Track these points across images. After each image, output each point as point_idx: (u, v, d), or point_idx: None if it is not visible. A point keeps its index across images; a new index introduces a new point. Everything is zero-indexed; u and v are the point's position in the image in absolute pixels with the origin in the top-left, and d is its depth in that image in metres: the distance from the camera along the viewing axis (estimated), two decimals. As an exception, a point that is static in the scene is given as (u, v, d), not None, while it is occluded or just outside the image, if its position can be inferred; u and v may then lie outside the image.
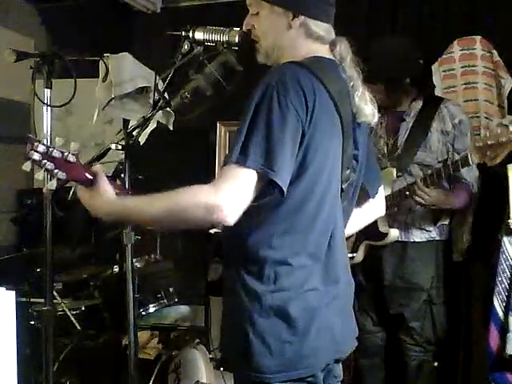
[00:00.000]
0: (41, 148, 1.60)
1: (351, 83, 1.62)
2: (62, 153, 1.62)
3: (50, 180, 1.63)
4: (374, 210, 1.91)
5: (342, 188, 1.63)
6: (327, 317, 1.55)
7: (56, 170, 1.61)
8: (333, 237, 1.59)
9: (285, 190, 1.44)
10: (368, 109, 1.63)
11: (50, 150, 1.61)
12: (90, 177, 1.64)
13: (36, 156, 1.59)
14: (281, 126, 1.42)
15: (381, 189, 1.90)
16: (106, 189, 1.60)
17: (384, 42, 2.86)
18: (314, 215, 1.53)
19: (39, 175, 1.62)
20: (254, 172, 1.42)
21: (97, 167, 1.67)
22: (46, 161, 1.60)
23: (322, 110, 1.49)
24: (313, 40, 1.62)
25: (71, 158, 1.63)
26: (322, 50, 1.63)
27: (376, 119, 1.67)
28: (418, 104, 2.86)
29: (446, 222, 2.92)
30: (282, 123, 1.43)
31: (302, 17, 1.60)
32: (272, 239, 1.51)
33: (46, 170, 1.61)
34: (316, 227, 1.54)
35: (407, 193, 2.70)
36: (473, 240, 2.99)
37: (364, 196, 1.82)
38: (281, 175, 1.43)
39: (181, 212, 1.47)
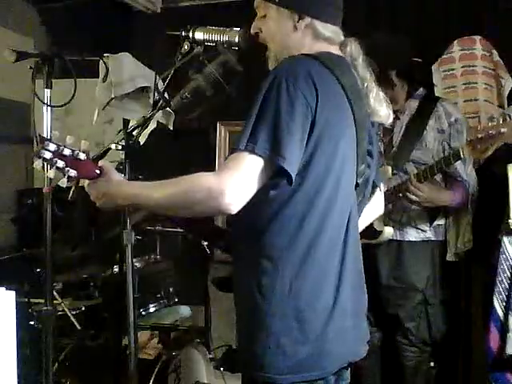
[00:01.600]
0: (52, 147, 1.62)
1: (365, 84, 1.61)
2: (73, 151, 1.64)
3: (61, 178, 1.65)
4: (378, 206, 1.91)
5: (357, 183, 1.61)
6: (342, 319, 1.53)
7: (67, 168, 1.62)
8: (348, 231, 1.56)
9: (293, 176, 1.42)
10: (383, 110, 1.63)
11: (61, 148, 1.63)
12: (100, 174, 1.66)
13: (47, 154, 1.61)
14: (289, 113, 1.41)
15: (382, 186, 1.90)
16: (117, 176, 1.64)
17: (374, 37, 2.88)
18: (328, 207, 1.50)
19: (50, 173, 1.64)
20: (261, 159, 1.41)
21: (104, 161, 1.69)
22: (56, 159, 1.62)
23: (332, 100, 1.48)
24: (321, 41, 1.62)
25: (82, 156, 1.64)
26: (331, 49, 1.62)
27: (391, 120, 1.67)
28: (414, 103, 2.86)
29: (442, 223, 2.91)
30: (291, 110, 1.41)
31: (309, 18, 1.59)
32: (286, 237, 1.49)
33: (57, 168, 1.62)
34: (330, 222, 1.51)
35: (402, 188, 2.68)
36: (473, 240, 2.99)
37: (372, 192, 1.81)
38: (289, 162, 1.41)
39: (184, 196, 1.47)
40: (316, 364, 1.50)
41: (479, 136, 2.39)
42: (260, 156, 1.41)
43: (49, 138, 1.65)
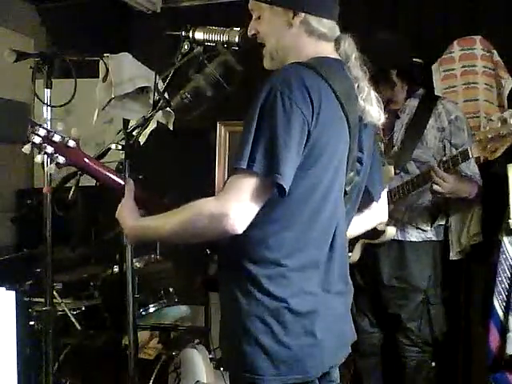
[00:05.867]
0: (42, 131, 1.63)
1: (356, 84, 1.59)
2: (63, 137, 1.65)
3: (49, 164, 1.66)
4: (375, 215, 1.88)
5: (345, 190, 1.61)
6: (325, 322, 1.54)
7: (56, 154, 1.63)
8: (334, 240, 1.57)
9: (287, 190, 1.43)
10: (374, 110, 1.61)
11: (51, 134, 1.64)
12: (89, 162, 1.68)
13: (36, 139, 1.62)
14: (286, 128, 1.41)
15: (384, 194, 1.87)
16: (128, 210, 1.65)
17: (374, 36, 2.88)
18: (313, 216, 1.51)
19: (38, 157, 1.65)
20: (260, 177, 1.41)
21: (129, 182, 1.71)
22: (46, 144, 1.63)
23: (328, 110, 1.48)
24: (316, 38, 1.60)
25: (71, 143, 1.65)
26: (327, 49, 1.61)
27: (382, 120, 1.64)
28: (414, 102, 2.86)
29: (443, 223, 2.92)
30: (287, 126, 1.41)
31: (303, 14, 1.57)
32: (269, 239, 1.49)
33: (46, 153, 1.64)
34: (316, 228, 1.52)
35: (420, 181, 2.66)
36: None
37: (366, 200, 1.79)
38: (285, 177, 1.41)
39: (190, 225, 1.48)
40: (298, 367, 1.50)
41: (489, 136, 2.38)
42: (258, 174, 1.41)
43: (39, 123, 1.66)
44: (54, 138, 1.64)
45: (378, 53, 2.75)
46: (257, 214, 1.45)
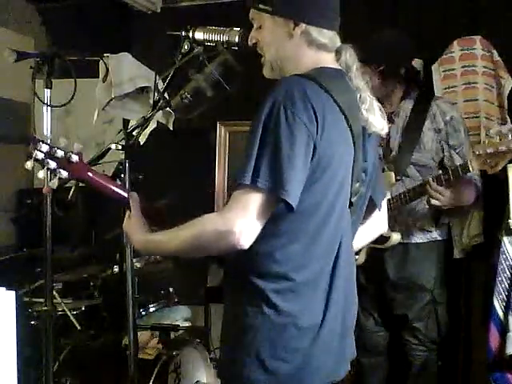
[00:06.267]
0: (44, 148, 1.63)
1: (358, 94, 1.58)
2: (65, 153, 1.65)
3: (52, 179, 1.66)
4: (377, 224, 1.86)
5: (351, 201, 1.59)
6: (329, 340, 1.53)
7: (59, 170, 1.63)
8: (339, 253, 1.55)
9: (294, 206, 1.41)
10: (377, 120, 1.59)
11: (54, 149, 1.64)
12: (92, 176, 1.68)
13: (39, 155, 1.62)
14: (290, 143, 1.40)
15: (384, 203, 1.85)
16: (136, 224, 1.66)
17: (386, 32, 2.86)
18: (318, 229, 1.49)
19: (40, 173, 1.65)
20: (264, 192, 1.40)
21: (133, 195, 1.71)
22: (48, 160, 1.63)
23: (331, 123, 1.46)
24: (316, 49, 1.59)
25: (74, 158, 1.65)
26: (327, 60, 1.60)
27: (386, 130, 1.63)
28: (408, 104, 2.84)
29: (446, 221, 2.92)
30: (291, 140, 1.40)
31: (303, 25, 1.56)
32: (275, 252, 1.48)
33: (49, 169, 1.64)
34: (321, 242, 1.50)
35: (417, 193, 2.66)
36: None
37: (370, 209, 1.77)
38: (291, 194, 1.40)
39: (196, 241, 1.47)
40: (296, 382, 1.49)
41: (488, 151, 2.38)
42: (263, 190, 1.40)
43: (41, 139, 1.66)
44: (56, 154, 1.64)
45: (387, 49, 2.76)
46: (263, 228, 1.44)
